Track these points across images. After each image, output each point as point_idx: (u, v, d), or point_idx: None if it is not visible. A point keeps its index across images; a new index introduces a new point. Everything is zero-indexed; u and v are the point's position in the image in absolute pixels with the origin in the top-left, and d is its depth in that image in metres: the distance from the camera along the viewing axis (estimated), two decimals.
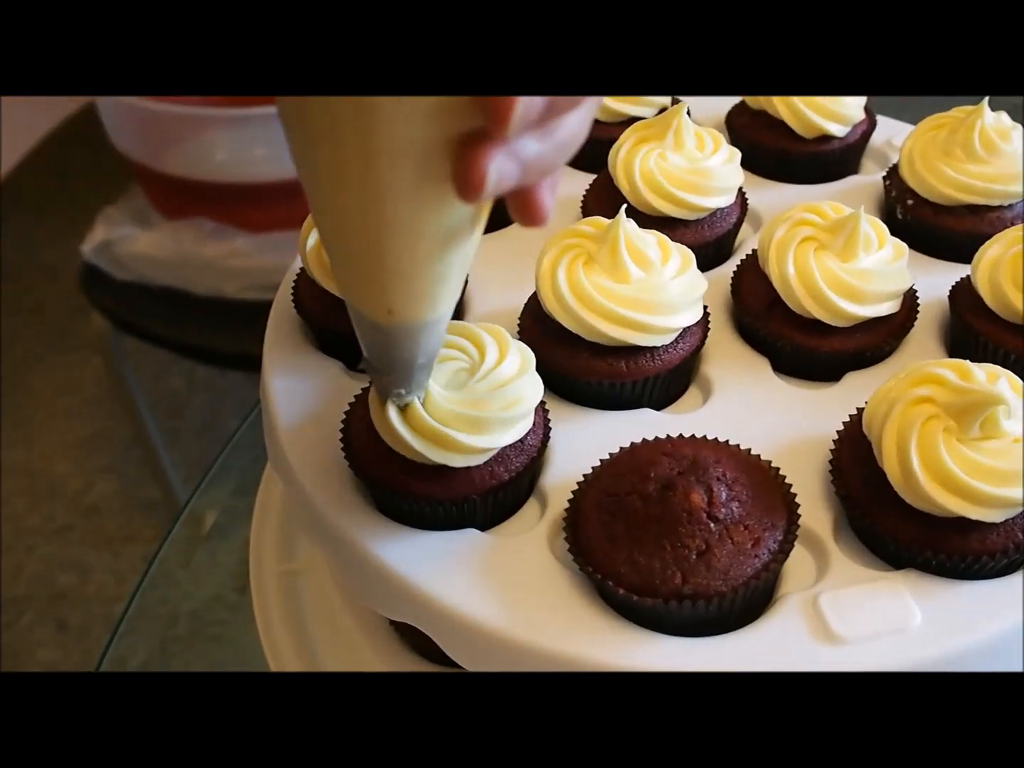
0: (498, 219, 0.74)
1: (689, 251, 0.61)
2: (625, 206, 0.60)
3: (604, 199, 0.70)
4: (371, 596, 0.56)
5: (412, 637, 0.63)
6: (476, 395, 0.53)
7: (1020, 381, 0.52)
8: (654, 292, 0.58)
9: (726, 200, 0.68)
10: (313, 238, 0.64)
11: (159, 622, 0.96)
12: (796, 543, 0.54)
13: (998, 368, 0.52)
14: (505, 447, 0.54)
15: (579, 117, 0.41)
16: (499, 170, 0.38)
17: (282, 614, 0.74)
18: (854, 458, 0.54)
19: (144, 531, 1.96)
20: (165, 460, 1.85)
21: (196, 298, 1.62)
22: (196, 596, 1.02)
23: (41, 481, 2.00)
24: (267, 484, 0.81)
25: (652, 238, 0.60)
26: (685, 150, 0.68)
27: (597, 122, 0.77)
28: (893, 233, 0.71)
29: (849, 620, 0.49)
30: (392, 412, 0.52)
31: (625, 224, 0.58)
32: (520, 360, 0.55)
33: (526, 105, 0.36)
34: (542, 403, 0.57)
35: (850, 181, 0.77)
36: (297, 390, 0.63)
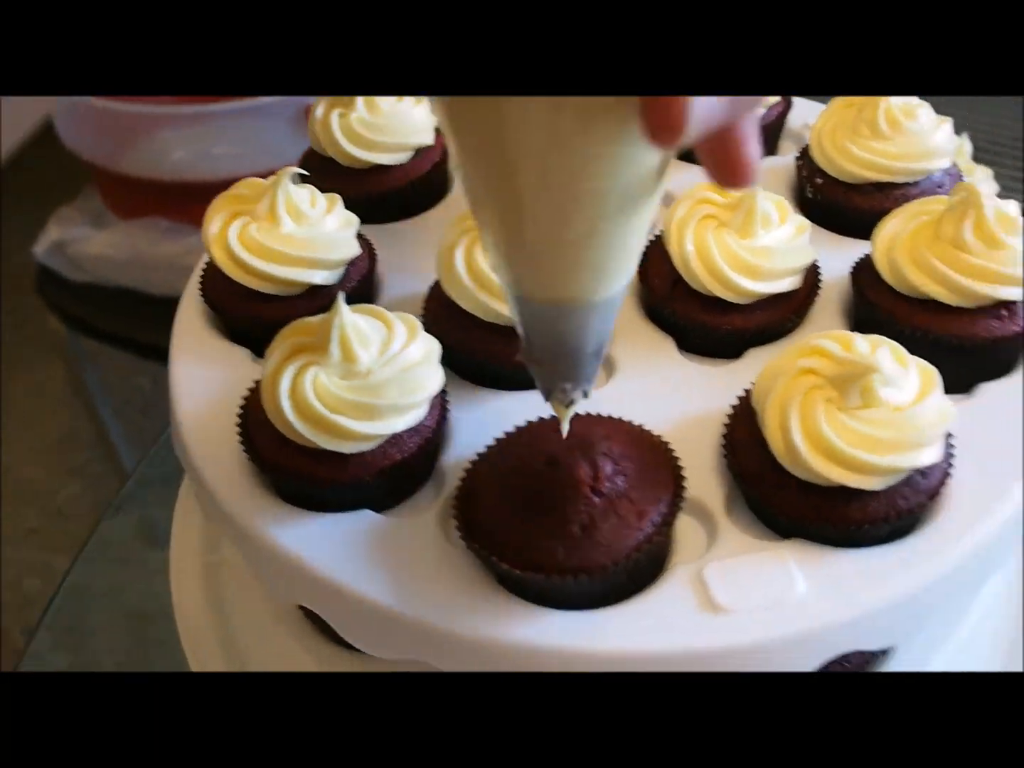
0: (410, 204, 0.75)
1: None
2: None
3: None
4: (267, 580, 0.56)
5: (323, 623, 0.63)
6: (374, 381, 0.53)
7: (906, 352, 0.52)
8: None
9: None
10: (216, 225, 0.64)
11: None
12: (690, 517, 0.54)
13: (884, 339, 0.52)
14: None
15: None
16: (704, 103, 0.30)
17: (203, 605, 0.74)
18: (746, 432, 0.54)
19: (108, 535, 1.96)
20: (131, 462, 1.85)
21: (153, 298, 1.61)
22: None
23: (8, 485, 1.99)
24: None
25: None
26: None
27: None
28: (804, 212, 0.71)
29: (733, 591, 0.50)
30: (284, 398, 0.52)
31: None
32: (426, 349, 0.56)
33: None
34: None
35: (765, 162, 0.77)
36: (202, 378, 0.63)
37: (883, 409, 0.50)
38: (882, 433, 0.49)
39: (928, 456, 0.50)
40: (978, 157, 1.02)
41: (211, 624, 0.73)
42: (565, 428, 0.48)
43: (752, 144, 0.34)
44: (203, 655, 0.71)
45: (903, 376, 0.51)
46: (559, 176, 0.35)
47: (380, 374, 0.53)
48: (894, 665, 0.61)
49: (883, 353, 0.50)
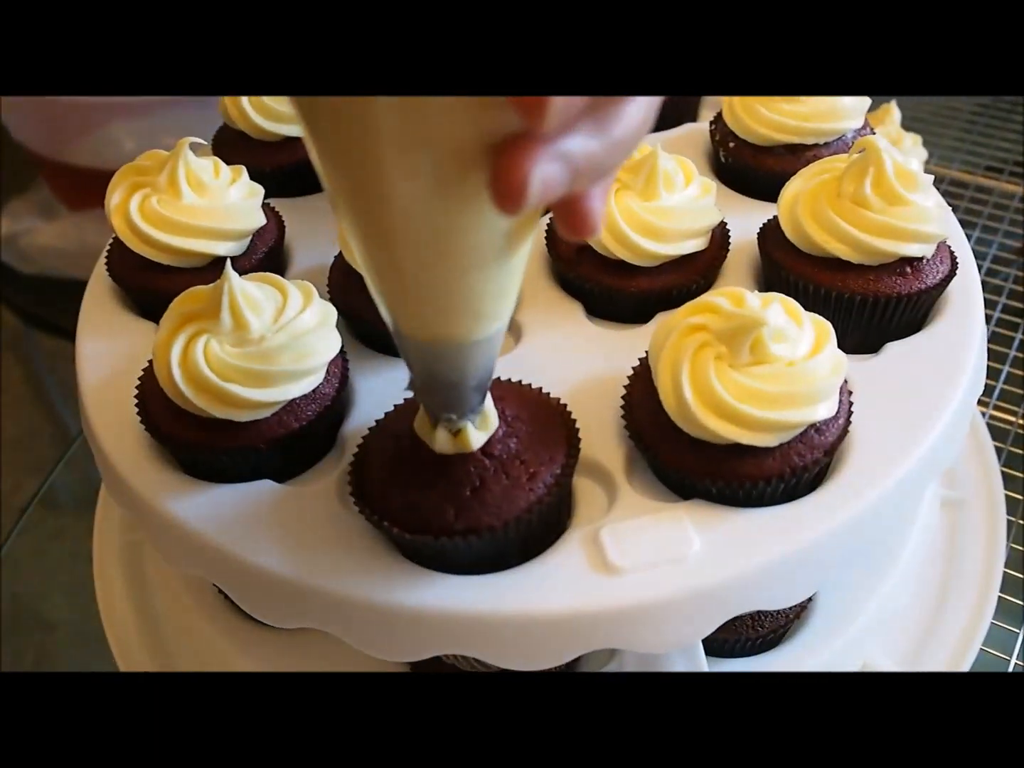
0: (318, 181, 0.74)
1: None
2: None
3: None
4: (167, 552, 0.55)
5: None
6: (267, 347, 0.52)
7: (800, 308, 0.52)
8: None
9: None
10: (118, 197, 0.63)
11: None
12: (589, 480, 0.54)
13: (778, 295, 0.52)
14: (296, 397, 0.53)
15: (640, 107, 0.33)
16: (543, 175, 0.31)
17: (123, 584, 0.73)
18: (643, 393, 0.53)
19: (71, 530, 1.95)
20: (87, 457, 1.83)
21: None
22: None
23: None
24: None
25: None
26: None
27: None
28: (719, 177, 0.71)
29: (628, 551, 0.49)
30: (175, 367, 0.52)
31: None
32: (321, 315, 0.55)
33: None
34: (342, 352, 0.56)
35: (683, 128, 0.77)
36: (107, 353, 0.63)
37: (775, 364, 0.49)
38: (773, 388, 0.49)
39: (823, 411, 0.49)
40: (910, 126, 1.02)
41: (131, 603, 0.72)
42: (471, 445, 0.48)
43: (596, 200, 0.35)
44: (123, 634, 0.71)
45: (796, 331, 0.50)
46: (424, 233, 0.35)
47: (273, 340, 0.53)
48: (806, 632, 0.62)
49: (774, 309, 0.50)
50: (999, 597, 0.69)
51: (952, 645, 0.66)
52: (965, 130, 1.15)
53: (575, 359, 0.60)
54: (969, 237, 0.92)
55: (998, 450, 0.78)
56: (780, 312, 0.50)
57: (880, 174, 0.57)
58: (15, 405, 2.18)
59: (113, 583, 0.73)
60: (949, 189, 1.02)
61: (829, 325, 0.52)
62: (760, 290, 0.62)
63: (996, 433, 0.81)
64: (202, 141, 0.64)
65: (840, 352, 0.51)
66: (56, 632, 1.00)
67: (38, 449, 2.10)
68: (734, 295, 0.51)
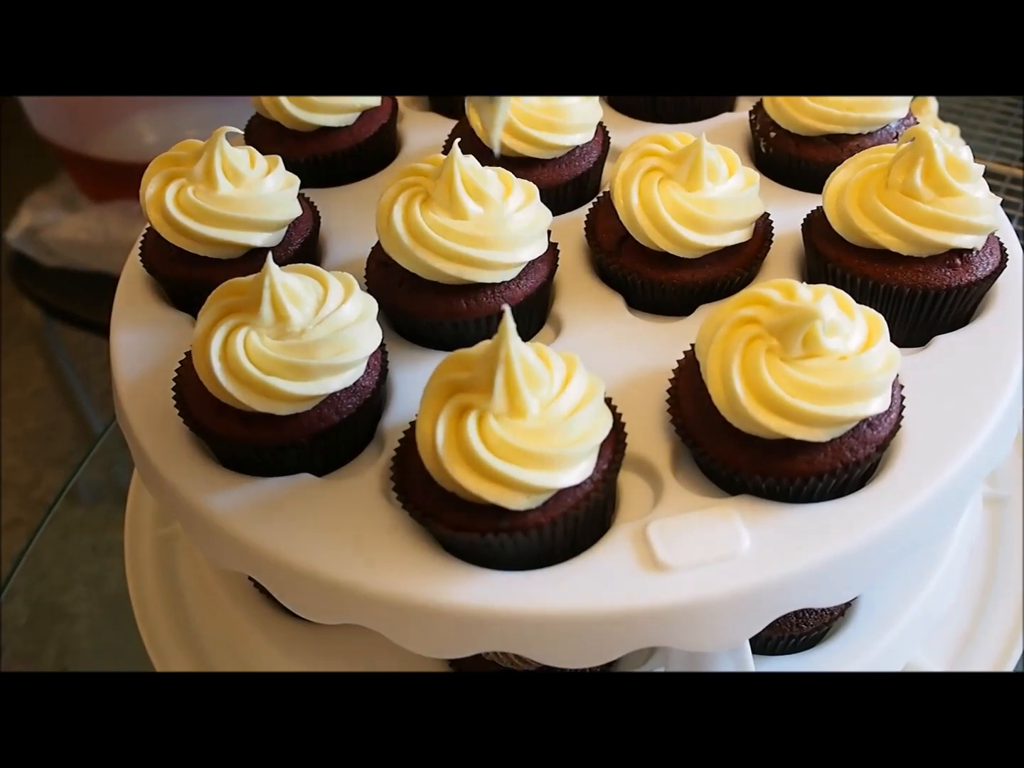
0: (357, 167, 0.73)
1: (532, 185, 0.60)
2: (459, 140, 0.58)
3: (465, 144, 0.68)
4: (205, 547, 0.54)
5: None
6: (308, 340, 0.51)
7: (851, 300, 0.51)
8: (493, 227, 0.57)
9: (583, 138, 0.67)
10: (153, 188, 0.62)
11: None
12: (635, 475, 0.53)
13: (829, 288, 0.51)
14: (337, 390, 0.52)
15: None
16: None
17: (156, 580, 0.73)
18: (690, 386, 0.52)
19: (92, 522, 1.95)
20: (108, 451, 1.83)
21: None
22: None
23: None
24: None
25: (492, 173, 0.59)
26: None
27: None
28: (759, 167, 0.70)
29: (676, 548, 0.48)
30: (215, 360, 0.51)
31: (460, 160, 0.57)
32: (362, 307, 0.54)
33: None
34: (381, 345, 0.56)
35: (720, 119, 0.76)
36: (142, 345, 0.62)
37: (827, 358, 0.48)
38: (826, 382, 0.48)
39: (875, 406, 0.48)
40: (945, 117, 1.00)
41: (163, 597, 0.72)
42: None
43: None
44: (155, 628, 0.70)
45: (848, 324, 0.49)
46: None
47: (313, 333, 0.52)
48: (851, 630, 0.61)
49: (826, 301, 0.49)
50: None
51: (996, 645, 0.65)
52: (1000, 121, 1.13)
53: (617, 352, 0.59)
54: None
55: None
56: (832, 304, 0.49)
57: (931, 164, 0.56)
58: (37, 397, 2.19)
59: (145, 578, 0.72)
60: (986, 181, 1.00)
61: (881, 318, 0.51)
62: (804, 282, 0.61)
63: None
64: (237, 130, 0.63)
65: (893, 346, 0.50)
66: (78, 623, 1.00)
67: (60, 442, 2.11)
68: (785, 287, 0.50)
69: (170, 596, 0.72)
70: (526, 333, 0.61)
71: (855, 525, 0.49)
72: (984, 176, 0.59)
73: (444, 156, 0.59)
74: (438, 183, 0.57)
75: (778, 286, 0.50)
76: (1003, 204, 0.99)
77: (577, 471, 0.47)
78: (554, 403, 0.47)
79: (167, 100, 1.56)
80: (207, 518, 0.52)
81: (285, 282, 0.52)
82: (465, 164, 0.57)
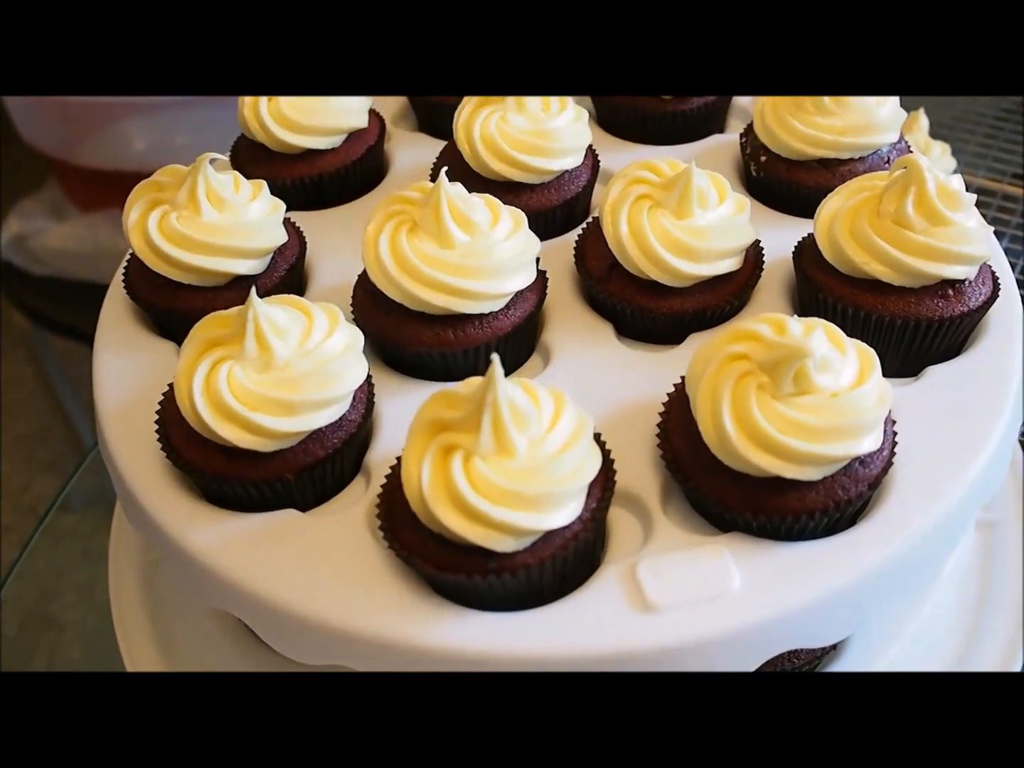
0: (345, 190, 0.72)
1: (520, 212, 0.59)
2: (446, 169, 0.58)
3: (452, 166, 0.68)
4: (189, 584, 0.53)
5: None
6: (293, 374, 0.51)
7: (843, 334, 0.50)
8: (481, 256, 0.56)
9: (572, 162, 0.66)
10: (136, 214, 0.61)
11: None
12: (624, 510, 0.52)
13: (820, 321, 0.50)
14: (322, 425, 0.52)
15: None
16: None
17: (141, 609, 0.72)
18: (680, 421, 0.52)
19: (83, 528, 1.93)
20: (98, 458, 1.82)
21: None
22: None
23: None
24: None
25: (479, 201, 0.58)
26: (528, 112, 0.66)
27: None
28: (750, 191, 0.69)
29: (666, 588, 0.48)
30: (198, 395, 0.50)
31: (447, 187, 0.56)
32: (347, 340, 0.53)
33: None
34: (368, 376, 0.55)
35: (710, 141, 0.75)
36: (125, 372, 0.61)
37: (818, 395, 0.48)
38: (818, 420, 0.47)
39: (868, 443, 0.48)
40: (935, 133, 1.00)
41: (147, 622, 0.71)
42: None
43: None
44: (138, 653, 0.69)
45: (839, 360, 0.49)
46: None
47: (299, 367, 0.51)
48: (843, 661, 0.60)
49: (817, 336, 0.48)
50: None
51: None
52: (990, 136, 1.13)
53: (606, 382, 0.58)
54: None
55: None
56: (823, 340, 0.49)
57: (922, 193, 0.55)
58: (26, 404, 2.17)
59: (130, 606, 0.71)
60: (977, 198, 1.00)
61: (873, 353, 0.50)
62: (795, 311, 0.61)
63: None
64: (221, 156, 0.62)
65: (885, 381, 0.49)
66: (67, 632, 0.99)
67: (49, 448, 2.09)
68: (775, 322, 0.49)
69: (156, 628, 0.70)
70: (515, 362, 0.60)
71: (847, 564, 0.48)
72: (975, 192, 0.58)
73: (431, 183, 0.58)
74: (425, 211, 0.56)
75: (768, 321, 0.49)
76: (994, 221, 0.99)
77: (566, 512, 0.46)
78: (542, 442, 0.46)
79: (156, 105, 1.55)
80: (188, 554, 0.51)
81: (269, 315, 0.51)
82: (452, 192, 0.56)
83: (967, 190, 0.58)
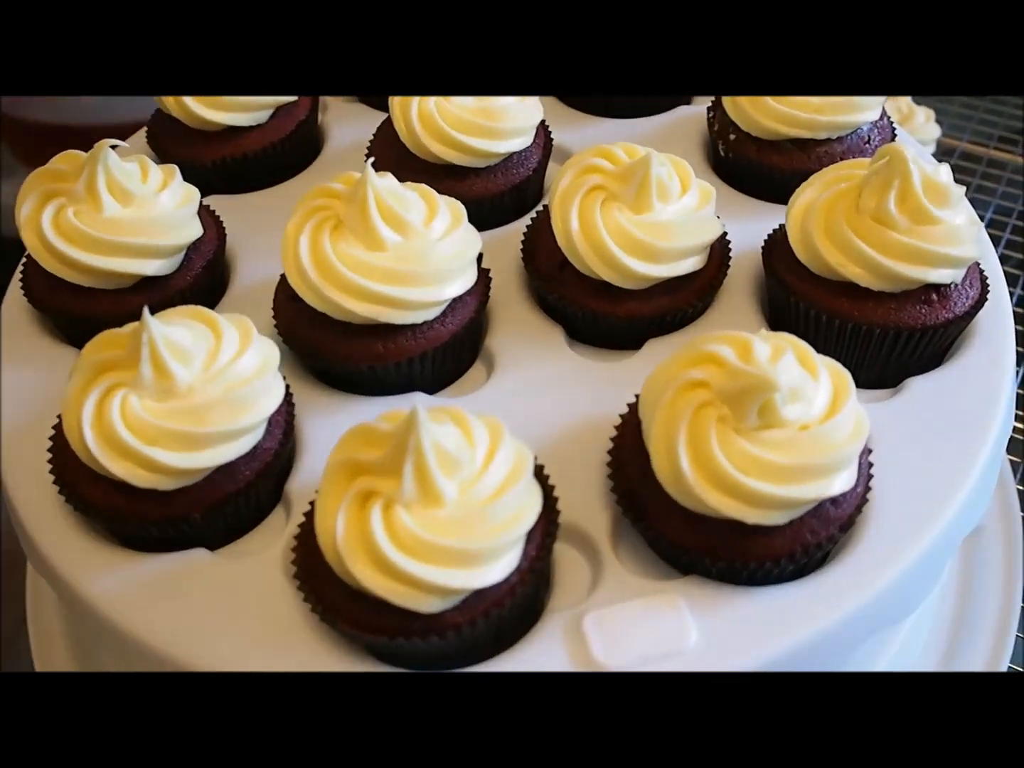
0: (273, 170, 0.65)
1: (460, 205, 0.53)
2: (371, 160, 0.51)
3: (389, 145, 0.61)
4: (93, 637, 0.48)
5: None
6: (198, 402, 0.45)
7: (814, 354, 0.45)
8: (414, 260, 0.50)
9: (521, 143, 0.60)
10: (28, 207, 0.55)
11: None
12: (571, 547, 0.47)
13: (788, 339, 0.45)
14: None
15: None
16: None
17: (58, 625, 0.66)
18: (633, 450, 0.46)
19: None
20: None
21: None
22: None
23: None
24: None
25: (413, 194, 0.52)
26: None
27: None
28: (717, 172, 0.64)
29: (615, 644, 0.43)
30: (87, 428, 0.44)
31: (375, 182, 0.50)
32: (261, 359, 0.47)
33: None
34: (287, 395, 0.49)
35: (675, 114, 0.69)
36: (25, 387, 0.55)
37: (786, 428, 0.42)
38: (785, 458, 0.42)
39: (840, 483, 0.43)
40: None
41: (67, 648, 0.65)
42: None
43: None
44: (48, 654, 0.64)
45: (811, 386, 0.43)
46: None
47: (204, 394, 0.45)
48: None
49: (786, 363, 0.42)
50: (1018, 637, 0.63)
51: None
52: (975, 97, 1.06)
53: (555, 398, 0.52)
54: (982, 217, 0.85)
55: (1013, 465, 0.72)
56: (793, 364, 0.43)
57: (906, 187, 0.50)
58: None
59: (47, 624, 0.66)
60: (960, 164, 0.94)
61: (847, 375, 0.45)
62: (765, 313, 0.55)
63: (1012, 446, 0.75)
64: (123, 143, 0.55)
65: (860, 408, 0.44)
66: None
67: None
68: (740, 344, 0.43)
69: (73, 643, 0.65)
70: (454, 372, 0.55)
71: (815, 612, 0.44)
72: (959, 157, 0.53)
73: (358, 174, 0.52)
74: (351, 208, 0.50)
75: (731, 342, 0.44)
76: (979, 189, 0.94)
77: (500, 566, 0.41)
78: (475, 485, 0.41)
79: None
80: (86, 602, 0.46)
81: (167, 336, 0.45)
82: (380, 186, 0.50)
83: (951, 155, 0.52)
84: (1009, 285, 0.59)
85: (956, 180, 0.51)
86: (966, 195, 0.52)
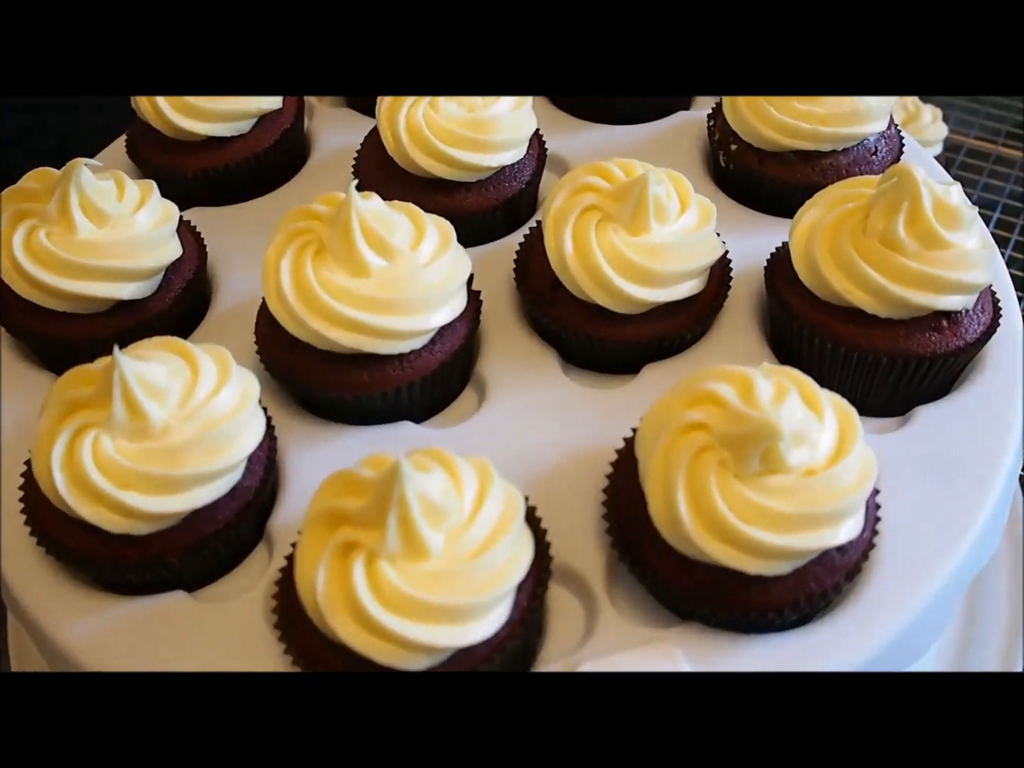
0: (256, 181, 0.63)
1: (448, 225, 0.51)
2: (356, 181, 0.49)
3: (377, 157, 0.59)
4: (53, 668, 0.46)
5: None
6: (173, 442, 0.43)
7: (819, 391, 0.43)
8: (400, 287, 0.48)
9: (514, 155, 0.57)
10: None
11: None
12: (565, 590, 0.45)
13: (792, 375, 0.42)
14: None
15: None
16: None
17: None
18: (629, 488, 0.44)
19: None
20: None
21: None
22: None
23: None
24: None
25: (400, 215, 0.50)
26: (461, 98, 0.57)
27: None
28: (718, 183, 0.61)
29: None
30: (57, 471, 0.42)
31: (358, 205, 0.48)
32: (240, 393, 0.45)
33: None
34: (269, 428, 0.47)
35: (677, 119, 0.66)
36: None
37: (790, 474, 0.40)
38: (788, 506, 0.40)
39: (846, 531, 0.41)
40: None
41: None
42: None
43: None
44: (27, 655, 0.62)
45: (816, 427, 0.41)
46: None
47: (180, 433, 0.43)
48: None
49: (790, 404, 0.40)
50: None
51: None
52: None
53: (548, 428, 0.50)
54: (988, 220, 0.83)
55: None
56: (797, 405, 0.41)
57: (916, 210, 0.47)
58: None
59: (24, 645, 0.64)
60: (967, 160, 0.91)
61: (854, 414, 0.42)
62: (766, 334, 0.53)
63: None
64: (96, 163, 0.53)
65: (868, 451, 0.42)
66: None
67: None
68: (742, 382, 0.41)
69: None
70: (444, 399, 0.53)
71: (819, 666, 0.42)
72: (966, 155, 0.51)
73: (342, 195, 0.50)
74: (333, 231, 0.48)
75: (733, 379, 0.42)
76: (986, 188, 0.91)
77: (489, 621, 0.39)
78: (463, 535, 0.39)
79: None
80: (58, 647, 0.44)
81: (140, 373, 0.43)
82: (364, 209, 0.48)
83: (958, 151, 0.50)
84: (1017, 289, 0.57)
85: (962, 178, 0.50)
86: (973, 193, 0.50)
